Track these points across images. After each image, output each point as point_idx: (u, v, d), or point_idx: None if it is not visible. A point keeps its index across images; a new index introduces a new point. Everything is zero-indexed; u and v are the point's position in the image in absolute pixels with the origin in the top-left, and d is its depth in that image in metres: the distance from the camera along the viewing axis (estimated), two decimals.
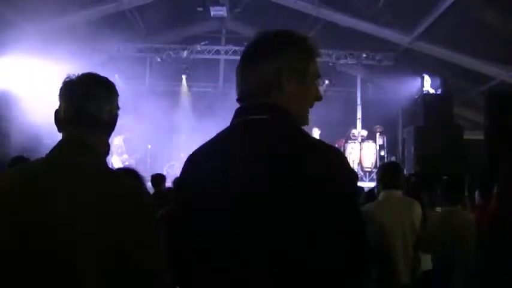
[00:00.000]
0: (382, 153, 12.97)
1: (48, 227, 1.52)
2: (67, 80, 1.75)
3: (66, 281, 1.51)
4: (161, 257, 1.68)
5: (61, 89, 1.75)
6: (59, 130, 1.74)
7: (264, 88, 1.46)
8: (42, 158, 1.70)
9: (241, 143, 1.40)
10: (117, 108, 1.82)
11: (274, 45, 1.50)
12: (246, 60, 1.52)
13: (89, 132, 1.70)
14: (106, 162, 1.78)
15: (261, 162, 1.33)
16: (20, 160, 4.11)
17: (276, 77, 1.45)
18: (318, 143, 1.41)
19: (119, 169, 4.60)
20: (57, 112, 1.75)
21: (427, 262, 4.46)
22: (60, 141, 1.71)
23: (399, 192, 4.05)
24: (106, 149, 1.79)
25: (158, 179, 6.60)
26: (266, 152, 1.35)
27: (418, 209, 4.35)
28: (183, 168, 1.51)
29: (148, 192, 2.98)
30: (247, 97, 1.48)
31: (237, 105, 1.49)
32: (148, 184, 6.49)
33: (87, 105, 1.71)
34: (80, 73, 1.77)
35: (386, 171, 4.15)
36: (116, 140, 11.64)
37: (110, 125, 1.79)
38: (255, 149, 1.36)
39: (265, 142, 1.37)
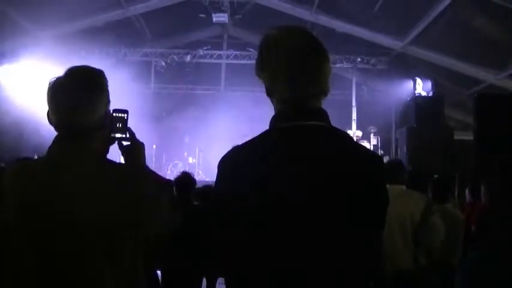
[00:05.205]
0: None
1: (53, 225, 1.56)
2: (52, 86, 1.68)
3: (77, 275, 1.57)
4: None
5: (47, 94, 1.69)
6: (55, 129, 1.74)
7: (324, 93, 1.41)
8: (40, 159, 1.74)
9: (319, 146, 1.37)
10: (108, 103, 1.76)
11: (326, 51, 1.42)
12: (319, 58, 1.41)
13: (80, 135, 1.69)
14: (102, 156, 1.76)
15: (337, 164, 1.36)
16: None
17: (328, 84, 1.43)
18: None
19: None
20: (48, 115, 1.71)
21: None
22: (56, 139, 1.70)
23: (400, 187, 4.23)
24: (102, 145, 1.78)
25: None
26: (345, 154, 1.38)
27: (419, 202, 4.34)
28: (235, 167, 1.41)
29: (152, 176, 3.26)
30: (308, 99, 1.39)
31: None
32: None
33: (74, 117, 1.67)
34: (63, 76, 1.69)
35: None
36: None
37: (100, 124, 1.74)
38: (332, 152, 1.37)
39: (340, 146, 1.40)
